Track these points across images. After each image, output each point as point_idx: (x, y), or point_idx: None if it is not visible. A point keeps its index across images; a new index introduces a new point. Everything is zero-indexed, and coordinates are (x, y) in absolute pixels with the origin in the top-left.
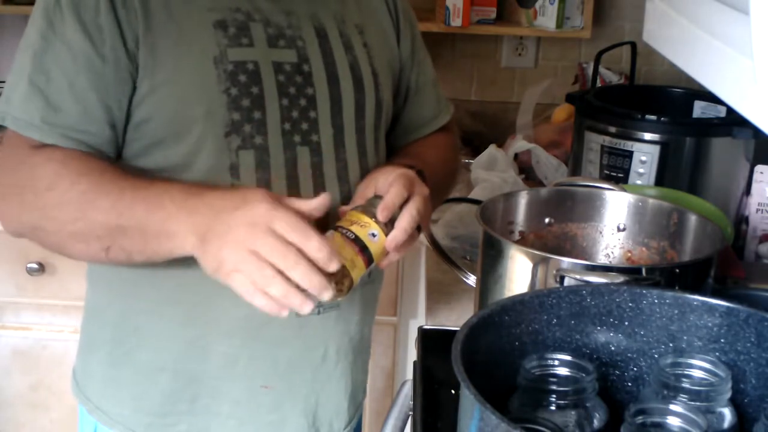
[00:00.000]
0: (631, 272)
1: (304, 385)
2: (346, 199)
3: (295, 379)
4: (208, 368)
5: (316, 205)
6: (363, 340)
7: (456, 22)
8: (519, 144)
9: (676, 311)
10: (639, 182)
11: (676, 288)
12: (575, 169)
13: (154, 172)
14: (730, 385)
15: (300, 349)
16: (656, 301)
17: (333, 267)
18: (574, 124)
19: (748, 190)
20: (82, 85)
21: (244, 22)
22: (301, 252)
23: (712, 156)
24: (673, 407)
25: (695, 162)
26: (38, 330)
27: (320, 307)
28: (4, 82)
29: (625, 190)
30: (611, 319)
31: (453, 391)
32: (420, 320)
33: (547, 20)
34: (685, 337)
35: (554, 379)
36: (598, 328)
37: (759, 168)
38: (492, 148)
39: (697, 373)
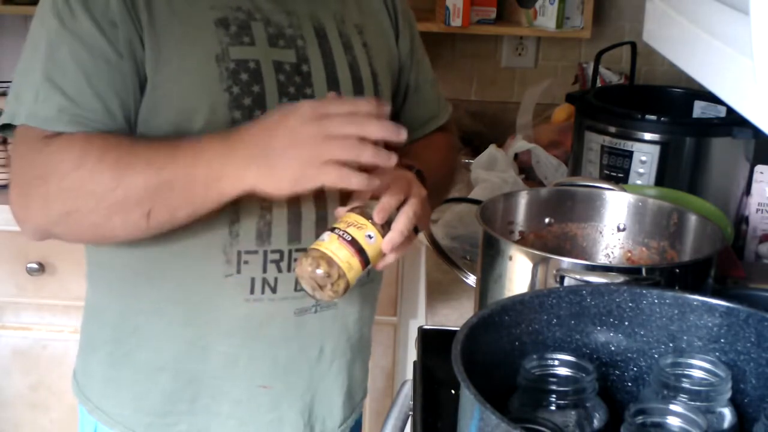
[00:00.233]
0: (631, 272)
1: (301, 384)
2: (344, 198)
3: (292, 378)
4: (208, 368)
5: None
6: (362, 339)
7: (456, 22)
8: (519, 144)
9: (676, 311)
10: (639, 182)
11: (676, 288)
12: (575, 169)
13: None
14: (730, 385)
15: (298, 349)
16: (656, 301)
17: (387, 108)
18: (574, 124)
19: (748, 190)
20: (99, 78)
21: (245, 21)
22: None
23: (712, 156)
24: (673, 407)
25: (695, 162)
26: (38, 330)
27: (317, 306)
28: (4, 82)
29: (625, 190)
30: (611, 319)
31: (453, 391)
32: (420, 320)
33: (547, 20)
34: (685, 337)
35: (554, 379)
36: (598, 328)
37: (759, 168)
38: (492, 148)
39: (697, 373)
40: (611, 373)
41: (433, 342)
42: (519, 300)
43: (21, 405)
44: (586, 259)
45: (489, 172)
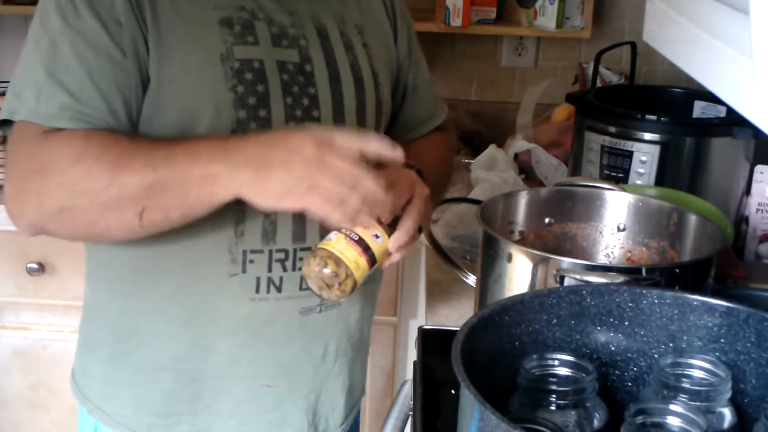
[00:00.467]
0: (631, 272)
1: (304, 383)
2: None
3: (296, 377)
4: (209, 368)
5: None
6: (362, 338)
7: (456, 22)
8: (519, 144)
9: (676, 311)
10: (639, 182)
11: (676, 288)
12: (575, 169)
13: None
14: (730, 385)
15: (301, 348)
16: (656, 301)
17: (399, 153)
18: (574, 124)
19: (748, 190)
20: (102, 76)
21: (249, 21)
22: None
23: (712, 156)
24: (673, 407)
25: (695, 162)
26: (38, 330)
27: (321, 305)
28: (4, 82)
29: (625, 190)
30: (611, 319)
31: (453, 391)
32: (420, 320)
33: (547, 20)
34: (685, 337)
35: (554, 379)
36: (598, 328)
37: (759, 168)
38: (492, 148)
39: (697, 373)
40: (611, 373)
41: (433, 342)
42: (519, 300)
43: (21, 405)
44: (586, 259)
45: (489, 172)
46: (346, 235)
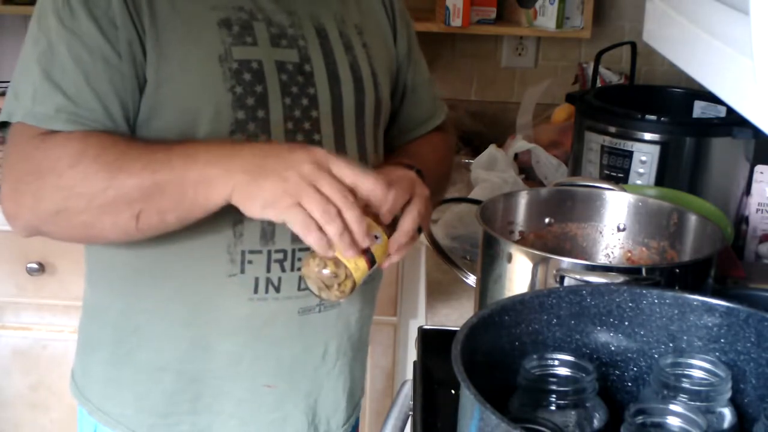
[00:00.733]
0: (631, 272)
1: (305, 384)
2: None
3: (297, 377)
4: (210, 368)
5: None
6: (362, 338)
7: (456, 22)
8: (519, 144)
9: (676, 311)
10: (639, 182)
11: (676, 288)
12: (575, 169)
13: None
14: (730, 385)
15: (302, 348)
16: (656, 301)
17: (391, 198)
18: (574, 124)
19: (748, 190)
20: (98, 78)
21: (248, 21)
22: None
23: (712, 156)
24: (673, 407)
25: (695, 162)
26: (38, 330)
27: (321, 305)
28: (4, 82)
29: (625, 190)
30: (611, 319)
31: (453, 391)
32: (420, 320)
33: (547, 20)
34: (685, 337)
35: (554, 379)
36: (598, 328)
37: (759, 168)
38: (492, 148)
39: (697, 373)
40: (611, 373)
41: (433, 342)
42: (519, 300)
43: (21, 405)
44: (586, 259)
45: (489, 172)
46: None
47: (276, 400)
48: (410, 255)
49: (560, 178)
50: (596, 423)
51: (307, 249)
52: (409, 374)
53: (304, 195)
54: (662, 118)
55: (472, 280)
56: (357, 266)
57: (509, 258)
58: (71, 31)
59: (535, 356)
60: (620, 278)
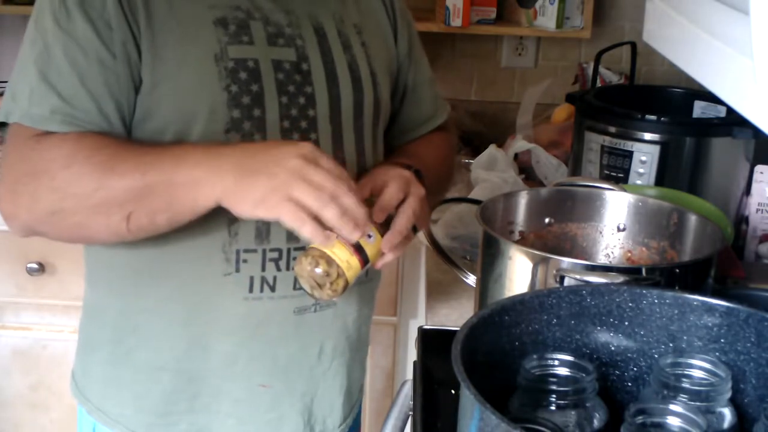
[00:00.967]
0: (631, 272)
1: (301, 383)
2: None
3: (292, 377)
4: (208, 367)
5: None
6: (360, 338)
7: (456, 22)
8: (519, 144)
9: (676, 311)
10: (639, 182)
11: (676, 288)
12: (575, 169)
13: None
14: (730, 385)
15: (297, 347)
16: (656, 301)
17: (379, 205)
18: (574, 124)
19: (748, 190)
20: (93, 79)
21: (245, 20)
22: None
23: (712, 156)
24: (673, 407)
25: (695, 162)
26: (38, 330)
27: (316, 305)
28: (3, 82)
29: (625, 190)
30: (611, 319)
31: (453, 391)
32: (420, 320)
33: (547, 20)
34: (685, 337)
35: (554, 379)
36: (598, 328)
37: (759, 168)
38: (492, 148)
39: (697, 373)
40: (611, 373)
41: (433, 342)
42: (519, 300)
43: (21, 405)
44: (586, 259)
45: (489, 172)
46: (338, 236)
47: (272, 399)
48: (410, 255)
49: (560, 178)
50: (596, 423)
51: (303, 248)
52: (409, 374)
53: (295, 187)
54: (662, 118)
55: (472, 280)
56: (349, 265)
57: (509, 258)
58: (67, 32)
59: (535, 356)
60: (620, 278)
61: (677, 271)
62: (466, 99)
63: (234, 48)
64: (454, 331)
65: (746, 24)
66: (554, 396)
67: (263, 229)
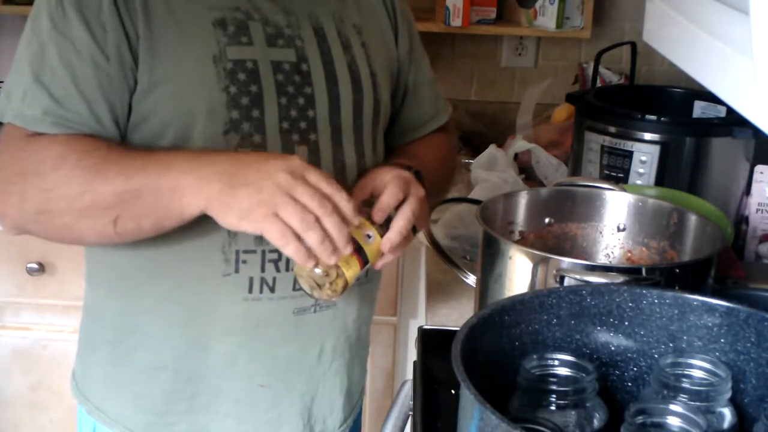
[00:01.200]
0: (631, 272)
1: (300, 384)
2: None
3: (292, 377)
4: (208, 367)
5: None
6: (360, 338)
7: (456, 22)
8: (519, 144)
9: (676, 311)
10: (639, 182)
11: (676, 288)
12: (575, 169)
13: None
14: (730, 385)
15: (297, 348)
16: (656, 301)
17: (356, 222)
18: (574, 124)
19: (748, 190)
20: (86, 81)
21: (244, 21)
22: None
23: (712, 156)
24: (673, 407)
25: (695, 162)
26: (38, 330)
27: (316, 305)
28: (3, 82)
29: (625, 190)
30: (611, 319)
31: (453, 391)
32: (420, 320)
33: (547, 20)
34: (685, 337)
35: (554, 379)
36: (598, 328)
37: (759, 168)
38: (492, 148)
39: (697, 373)
40: (611, 373)
41: (433, 342)
42: (519, 300)
43: (21, 405)
44: (586, 259)
45: (489, 172)
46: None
47: (271, 399)
48: (410, 255)
49: (560, 178)
50: (596, 423)
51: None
52: (409, 374)
53: (281, 204)
54: (662, 118)
55: (472, 280)
56: (349, 265)
57: (509, 258)
58: (62, 33)
59: (535, 356)
60: (620, 278)
61: (677, 271)
62: (466, 99)
63: (233, 49)
64: (454, 331)
65: (746, 24)
66: (554, 396)
67: None
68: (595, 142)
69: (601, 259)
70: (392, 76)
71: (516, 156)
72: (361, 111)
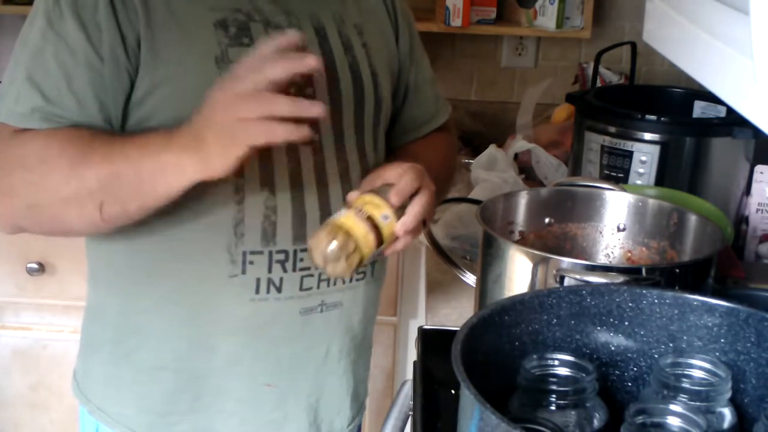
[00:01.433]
0: (631, 272)
1: (306, 383)
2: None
3: (298, 377)
4: (211, 367)
5: (285, 42)
6: (365, 338)
7: (456, 22)
8: (519, 144)
9: (676, 311)
10: (639, 182)
11: (676, 288)
12: (575, 169)
13: None
14: (730, 385)
15: (303, 348)
16: (656, 301)
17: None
18: (574, 124)
19: (748, 190)
20: (79, 82)
21: (245, 22)
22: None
23: (712, 156)
24: (673, 407)
25: (695, 162)
26: (38, 330)
27: (322, 306)
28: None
29: (625, 190)
30: (611, 319)
31: (453, 391)
32: (420, 320)
33: (547, 20)
34: (685, 337)
35: (554, 379)
36: (598, 328)
37: (759, 168)
38: (492, 148)
39: (697, 373)
40: (611, 373)
41: (433, 342)
42: (519, 300)
43: (21, 405)
44: (586, 259)
45: (489, 172)
46: (357, 212)
47: (276, 399)
48: (410, 255)
49: (560, 178)
50: (596, 423)
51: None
52: (409, 374)
53: (240, 116)
54: (662, 118)
55: (471, 280)
56: (366, 241)
57: (509, 258)
58: (58, 33)
59: (535, 356)
60: (620, 278)
61: (677, 271)
62: (466, 99)
63: (235, 50)
64: (454, 331)
65: (746, 24)
66: (554, 396)
67: (269, 230)
68: (595, 142)
69: (601, 259)
70: (393, 75)
71: (516, 156)
72: (363, 111)
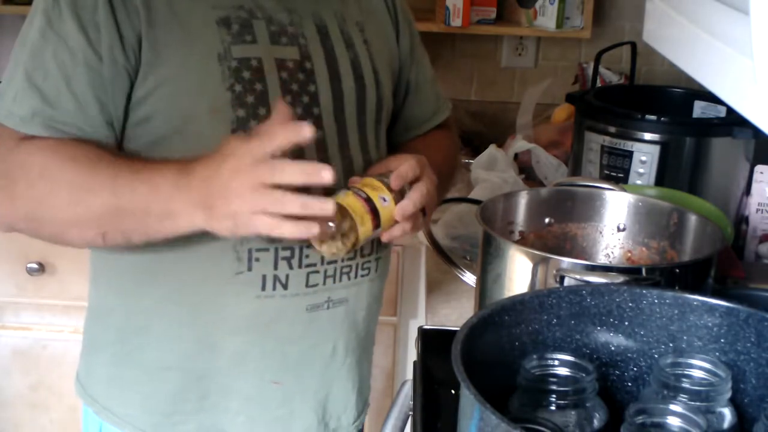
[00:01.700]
0: (631, 272)
1: (313, 381)
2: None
3: (304, 374)
4: (216, 366)
5: (282, 115)
6: (369, 335)
7: (456, 22)
8: (519, 144)
9: (676, 311)
10: (639, 182)
11: (676, 288)
12: (575, 169)
13: None
14: (730, 385)
15: (309, 345)
16: (656, 301)
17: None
18: (574, 124)
19: (748, 190)
20: (79, 82)
21: (247, 20)
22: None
23: (712, 156)
24: (673, 407)
25: (695, 162)
26: (38, 330)
27: (329, 302)
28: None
29: (625, 190)
30: (611, 319)
31: (453, 391)
32: (420, 320)
33: (547, 20)
34: (685, 337)
35: (554, 379)
36: (598, 328)
37: (759, 168)
38: (492, 148)
39: (697, 373)
40: (611, 373)
41: (433, 342)
42: (519, 300)
43: (21, 405)
44: (586, 259)
45: (489, 172)
46: (355, 193)
47: (283, 396)
48: (410, 255)
49: (560, 178)
50: (596, 423)
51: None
52: (409, 374)
53: (251, 203)
54: (662, 118)
55: (471, 280)
56: (363, 221)
57: (509, 258)
58: (57, 33)
59: (535, 356)
60: (620, 278)
61: (677, 271)
62: (466, 99)
63: (237, 47)
64: (454, 331)
65: (746, 24)
66: (554, 396)
67: None
68: (595, 142)
69: (601, 259)
70: (394, 73)
71: (516, 156)
72: (364, 108)
